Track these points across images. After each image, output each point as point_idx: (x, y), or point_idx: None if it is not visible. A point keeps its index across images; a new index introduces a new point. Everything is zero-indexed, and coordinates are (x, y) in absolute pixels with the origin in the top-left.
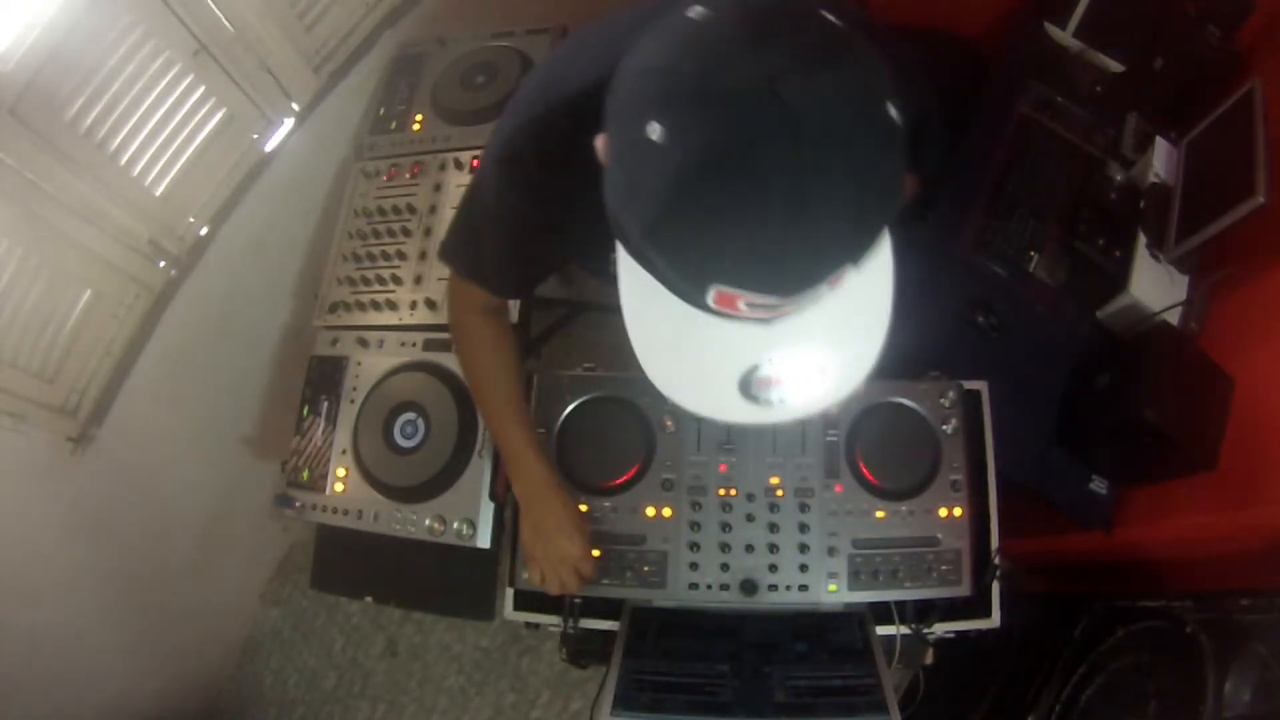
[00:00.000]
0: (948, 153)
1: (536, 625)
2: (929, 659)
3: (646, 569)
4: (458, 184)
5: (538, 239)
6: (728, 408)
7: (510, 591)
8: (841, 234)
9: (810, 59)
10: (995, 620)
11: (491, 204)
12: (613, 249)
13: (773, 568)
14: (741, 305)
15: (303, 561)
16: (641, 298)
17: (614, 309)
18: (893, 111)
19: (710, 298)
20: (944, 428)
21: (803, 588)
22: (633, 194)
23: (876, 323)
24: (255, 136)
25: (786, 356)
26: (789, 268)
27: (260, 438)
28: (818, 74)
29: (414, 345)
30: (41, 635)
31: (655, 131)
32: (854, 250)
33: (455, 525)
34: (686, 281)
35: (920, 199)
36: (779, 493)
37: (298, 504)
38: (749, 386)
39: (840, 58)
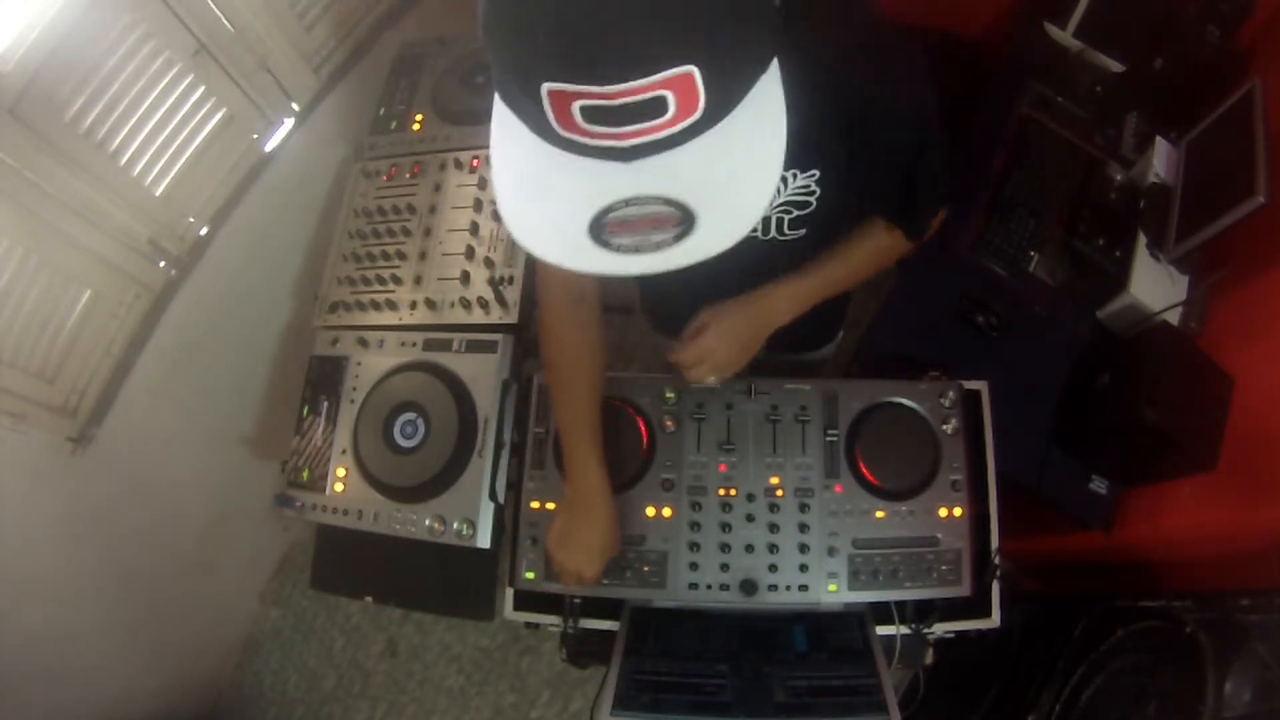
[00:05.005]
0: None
1: (536, 625)
2: (929, 659)
3: (646, 569)
4: (458, 184)
5: None
6: (577, 253)
7: (510, 591)
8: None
9: None
10: (995, 620)
11: None
12: None
13: (773, 568)
14: (577, 113)
15: (303, 561)
16: (504, 141)
17: (613, 308)
18: None
19: (546, 106)
20: (944, 428)
21: (803, 588)
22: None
23: (759, 176)
24: (255, 136)
25: (646, 199)
26: (601, 34)
27: (260, 438)
28: None
29: (414, 345)
30: (41, 634)
31: None
32: (678, 30)
33: (455, 525)
34: (518, 82)
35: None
36: (779, 493)
37: (298, 504)
38: (600, 230)
39: None
